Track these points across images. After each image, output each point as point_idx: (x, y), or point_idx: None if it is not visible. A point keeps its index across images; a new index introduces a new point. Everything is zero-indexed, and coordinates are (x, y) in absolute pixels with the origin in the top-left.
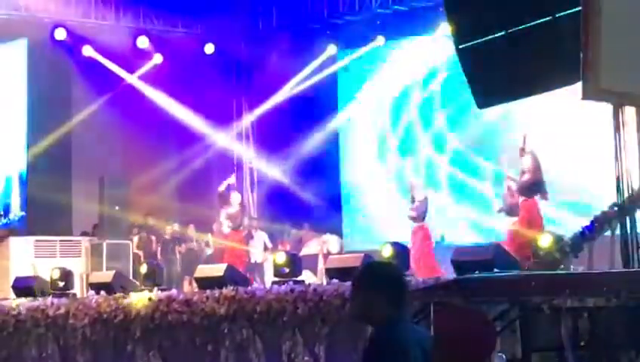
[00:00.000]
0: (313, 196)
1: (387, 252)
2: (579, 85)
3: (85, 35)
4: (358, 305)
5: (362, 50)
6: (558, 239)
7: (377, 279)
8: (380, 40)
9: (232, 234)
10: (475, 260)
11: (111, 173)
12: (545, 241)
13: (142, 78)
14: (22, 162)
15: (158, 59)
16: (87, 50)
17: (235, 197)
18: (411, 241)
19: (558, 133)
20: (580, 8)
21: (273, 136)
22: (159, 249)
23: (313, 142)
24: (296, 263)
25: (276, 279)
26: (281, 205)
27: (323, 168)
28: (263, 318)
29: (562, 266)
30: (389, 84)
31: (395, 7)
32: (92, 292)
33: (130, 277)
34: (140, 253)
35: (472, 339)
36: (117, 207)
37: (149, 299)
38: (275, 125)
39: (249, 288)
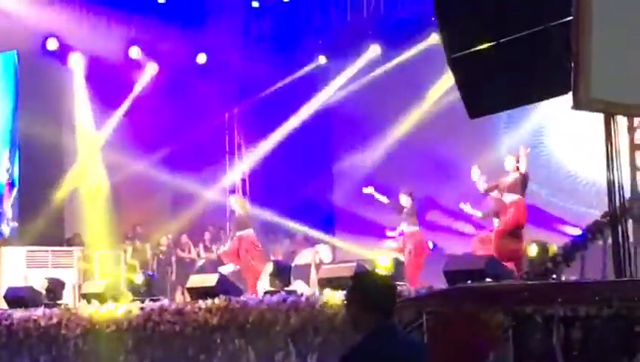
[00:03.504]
0: (306, 206)
1: (381, 261)
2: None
3: (77, 45)
4: (350, 315)
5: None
6: (548, 248)
7: (366, 290)
8: (375, 49)
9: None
10: (467, 269)
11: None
12: (533, 251)
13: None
14: (14, 172)
15: (153, 69)
16: (79, 61)
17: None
18: (405, 246)
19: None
20: (571, 18)
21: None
22: (154, 259)
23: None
24: (287, 273)
25: (269, 289)
26: (273, 215)
27: (315, 175)
28: (256, 328)
29: (554, 275)
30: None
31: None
32: (84, 302)
33: (123, 288)
34: (135, 262)
35: (468, 347)
36: (109, 217)
37: (141, 309)
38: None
39: (241, 298)
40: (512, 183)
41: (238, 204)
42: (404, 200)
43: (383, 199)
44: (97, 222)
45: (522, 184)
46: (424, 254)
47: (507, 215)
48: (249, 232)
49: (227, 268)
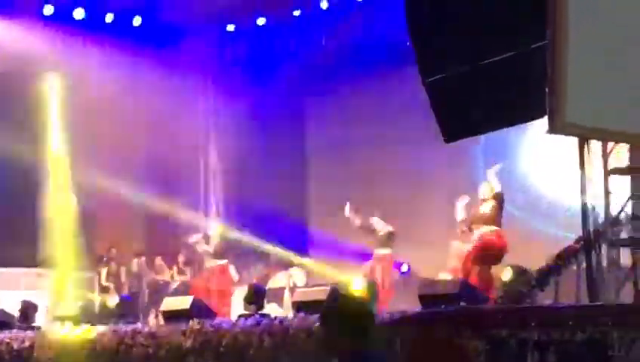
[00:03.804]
0: (280, 229)
1: (356, 284)
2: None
3: (52, 65)
4: (324, 338)
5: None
6: (523, 272)
7: (342, 312)
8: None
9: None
10: (442, 293)
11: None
12: (507, 275)
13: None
14: None
15: (127, 93)
16: (54, 80)
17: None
18: (374, 269)
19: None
20: (546, 42)
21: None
22: (127, 281)
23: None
24: (261, 296)
25: (243, 312)
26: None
27: (289, 199)
28: (229, 351)
29: (529, 300)
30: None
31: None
32: (57, 325)
33: (97, 310)
34: (110, 284)
35: None
36: (83, 239)
37: (114, 332)
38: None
39: (215, 321)
40: (488, 215)
41: (216, 232)
42: (377, 223)
43: (356, 221)
44: (71, 244)
45: (499, 210)
46: (392, 278)
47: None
48: (223, 263)
49: None
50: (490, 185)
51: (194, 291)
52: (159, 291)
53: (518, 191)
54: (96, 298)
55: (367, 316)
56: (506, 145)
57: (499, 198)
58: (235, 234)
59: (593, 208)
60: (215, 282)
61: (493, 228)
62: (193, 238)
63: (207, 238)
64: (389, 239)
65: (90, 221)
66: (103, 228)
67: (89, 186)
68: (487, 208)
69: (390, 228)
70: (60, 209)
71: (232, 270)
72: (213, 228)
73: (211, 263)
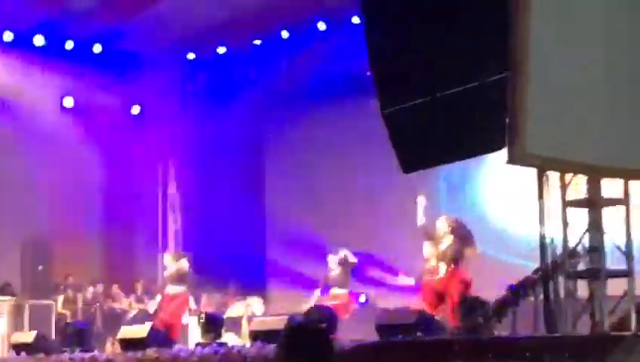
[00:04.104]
0: (238, 258)
1: (313, 314)
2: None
3: (9, 94)
4: None
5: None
6: (480, 303)
7: (300, 342)
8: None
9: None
10: (399, 323)
11: (34, 231)
12: (464, 306)
13: (68, 136)
14: None
15: (86, 120)
16: (12, 109)
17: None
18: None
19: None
20: (506, 74)
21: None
22: (84, 309)
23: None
24: (219, 325)
25: (200, 341)
26: (205, 267)
27: (247, 229)
28: None
29: (486, 331)
30: None
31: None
32: (13, 353)
33: (54, 338)
34: (67, 312)
35: None
36: (40, 267)
37: (71, 360)
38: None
39: (172, 350)
40: (444, 251)
41: (174, 261)
42: (332, 261)
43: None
44: (29, 271)
45: (460, 244)
46: (350, 309)
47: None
48: (182, 289)
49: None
50: (446, 221)
51: (157, 318)
52: (116, 319)
53: (477, 221)
54: (53, 326)
55: (325, 345)
56: (466, 176)
57: (457, 233)
58: (192, 263)
59: (551, 240)
60: (172, 309)
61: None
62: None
63: (165, 267)
64: (345, 278)
65: (48, 249)
66: (61, 256)
67: (47, 214)
68: (445, 245)
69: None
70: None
71: (191, 300)
72: (169, 258)
73: (170, 290)
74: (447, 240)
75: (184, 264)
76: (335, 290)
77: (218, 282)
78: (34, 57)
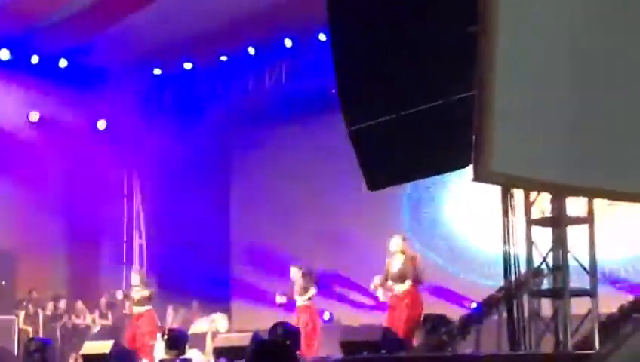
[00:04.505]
0: (202, 274)
1: (277, 331)
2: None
3: None
4: None
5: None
6: (444, 321)
7: (266, 359)
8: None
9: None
10: (363, 341)
11: None
12: (428, 324)
13: (33, 149)
14: None
15: (50, 133)
16: None
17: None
18: (299, 318)
19: (452, 213)
20: (472, 93)
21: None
22: (45, 324)
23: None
24: (183, 341)
25: (164, 357)
26: (169, 282)
27: (212, 245)
28: None
29: (450, 348)
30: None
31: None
32: None
33: (16, 354)
34: (28, 328)
35: None
36: (2, 282)
37: None
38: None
39: None
40: (400, 269)
41: (141, 279)
42: (294, 273)
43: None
44: None
45: (412, 266)
46: (318, 326)
47: (402, 308)
48: (148, 309)
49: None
50: (399, 239)
51: (123, 338)
52: (80, 335)
53: (441, 239)
54: (15, 341)
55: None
56: (431, 192)
57: (413, 260)
58: (156, 281)
59: (516, 258)
60: (142, 328)
61: (407, 284)
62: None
63: (129, 287)
64: (306, 290)
65: (11, 263)
66: (24, 270)
67: (10, 228)
68: (397, 264)
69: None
70: None
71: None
72: (135, 276)
73: (137, 310)
74: (398, 260)
75: (152, 288)
76: (301, 301)
77: (182, 298)
78: None
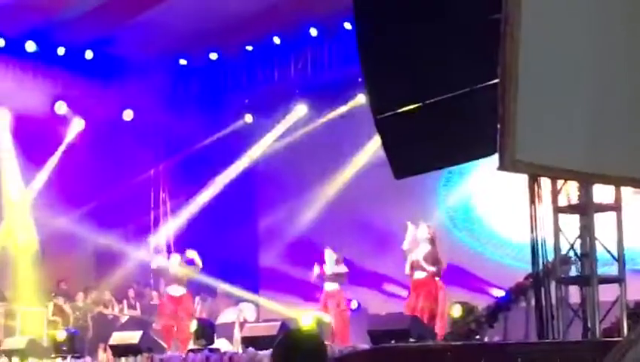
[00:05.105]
0: (230, 264)
1: (306, 320)
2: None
3: (2, 100)
4: None
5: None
6: (472, 309)
7: (295, 347)
8: (301, 109)
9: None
10: (391, 329)
11: (27, 237)
12: (456, 311)
13: (59, 140)
14: None
15: (79, 124)
16: (4, 116)
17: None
18: (326, 305)
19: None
20: (497, 81)
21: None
22: (75, 315)
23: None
24: (211, 331)
25: (192, 347)
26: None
27: (240, 235)
28: None
29: (477, 336)
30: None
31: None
32: (5, 358)
33: (45, 344)
34: (58, 319)
35: None
36: (33, 273)
37: None
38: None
39: (164, 355)
40: (426, 256)
41: (182, 264)
42: (329, 255)
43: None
44: (21, 278)
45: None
46: (345, 313)
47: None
48: (179, 291)
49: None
50: (427, 228)
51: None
52: (108, 325)
53: (468, 227)
54: (45, 332)
55: (319, 352)
56: (458, 180)
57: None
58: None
59: (543, 245)
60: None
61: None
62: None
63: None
64: (338, 276)
65: (43, 255)
66: (53, 263)
67: (42, 221)
68: (424, 251)
69: (341, 270)
70: (13, 244)
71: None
72: (174, 258)
73: (173, 291)
74: (424, 247)
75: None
76: (330, 287)
77: (210, 288)
78: (26, 63)
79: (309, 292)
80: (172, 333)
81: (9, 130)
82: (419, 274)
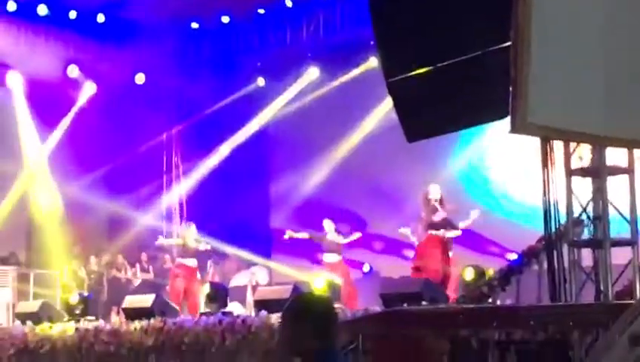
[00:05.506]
0: (242, 227)
1: (318, 284)
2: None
3: (15, 64)
4: (286, 337)
5: (296, 84)
6: (484, 272)
7: (305, 311)
8: (313, 72)
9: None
10: (404, 292)
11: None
12: (468, 275)
13: (72, 104)
14: None
15: (91, 88)
16: (17, 79)
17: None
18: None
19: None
20: (509, 43)
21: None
22: (89, 279)
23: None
24: (224, 294)
25: (205, 310)
26: (209, 237)
27: (252, 199)
28: (191, 349)
29: (490, 299)
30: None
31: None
32: (18, 322)
33: (58, 308)
34: (71, 282)
35: None
36: (45, 236)
37: (76, 330)
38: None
39: (177, 319)
40: (438, 217)
41: (191, 236)
42: (328, 225)
43: (303, 235)
44: (35, 241)
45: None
46: (351, 278)
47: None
48: (193, 262)
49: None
50: (440, 189)
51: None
52: (121, 289)
53: (481, 189)
54: (58, 295)
55: (331, 315)
56: (470, 143)
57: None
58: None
59: (555, 208)
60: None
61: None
62: (161, 241)
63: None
64: (338, 245)
65: (54, 218)
66: (66, 227)
67: (49, 185)
68: (434, 211)
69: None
70: (32, 206)
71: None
72: (182, 229)
73: (183, 261)
74: (440, 214)
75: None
76: (329, 258)
77: (222, 251)
78: (38, 27)
79: (319, 256)
80: (180, 298)
81: (23, 94)
82: (430, 236)
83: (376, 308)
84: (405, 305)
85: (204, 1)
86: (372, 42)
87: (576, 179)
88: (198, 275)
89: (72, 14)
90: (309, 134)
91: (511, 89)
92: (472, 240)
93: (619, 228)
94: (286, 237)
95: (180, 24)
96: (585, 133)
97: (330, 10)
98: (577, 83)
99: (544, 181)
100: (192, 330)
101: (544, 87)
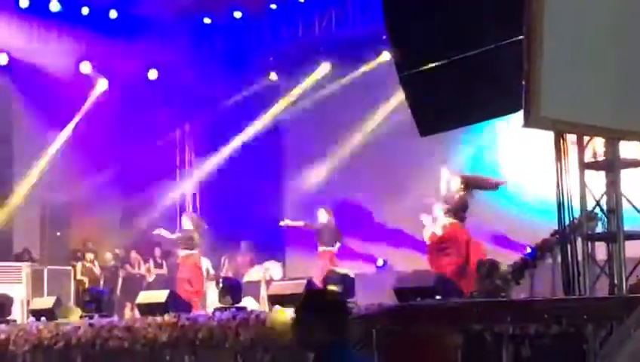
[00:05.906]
0: (256, 222)
1: (331, 279)
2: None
3: (27, 60)
4: (299, 332)
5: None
6: (497, 266)
7: (318, 305)
8: (325, 67)
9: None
10: (417, 287)
11: (53, 198)
12: (482, 269)
13: (84, 100)
14: None
15: (103, 84)
16: (29, 75)
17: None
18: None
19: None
20: (522, 37)
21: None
22: (102, 275)
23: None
24: (237, 289)
25: (219, 305)
26: (222, 231)
27: (265, 193)
28: (205, 345)
29: (504, 293)
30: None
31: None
32: (32, 318)
33: (72, 304)
34: (85, 278)
35: None
36: (58, 233)
37: (90, 326)
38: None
39: (191, 314)
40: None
41: (193, 223)
42: (323, 216)
43: (299, 223)
44: (48, 237)
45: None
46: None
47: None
48: (194, 253)
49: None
50: (460, 178)
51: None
52: (135, 284)
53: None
54: (72, 291)
55: (343, 309)
56: (483, 136)
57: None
58: (209, 229)
59: (569, 201)
60: (185, 272)
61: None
62: (159, 232)
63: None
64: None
65: (69, 215)
66: (79, 222)
67: (63, 181)
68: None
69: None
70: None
71: (209, 265)
72: (186, 220)
73: (183, 253)
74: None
75: (202, 225)
76: (323, 248)
77: (236, 246)
78: (50, 23)
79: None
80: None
81: (34, 90)
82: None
83: (390, 302)
84: (419, 299)
85: None
86: (384, 37)
87: (589, 173)
88: (209, 269)
89: (85, 10)
90: (321, 129)
91: (524, 82)
92: (485, 233)
93: (633, 222)
94: (282, 224)
95: (193, 20)
96: (597, 126)
97: (342, 4)
98: (591, 76)
99: (557, 174)
100: (205, 325)
101: (557, 81)
